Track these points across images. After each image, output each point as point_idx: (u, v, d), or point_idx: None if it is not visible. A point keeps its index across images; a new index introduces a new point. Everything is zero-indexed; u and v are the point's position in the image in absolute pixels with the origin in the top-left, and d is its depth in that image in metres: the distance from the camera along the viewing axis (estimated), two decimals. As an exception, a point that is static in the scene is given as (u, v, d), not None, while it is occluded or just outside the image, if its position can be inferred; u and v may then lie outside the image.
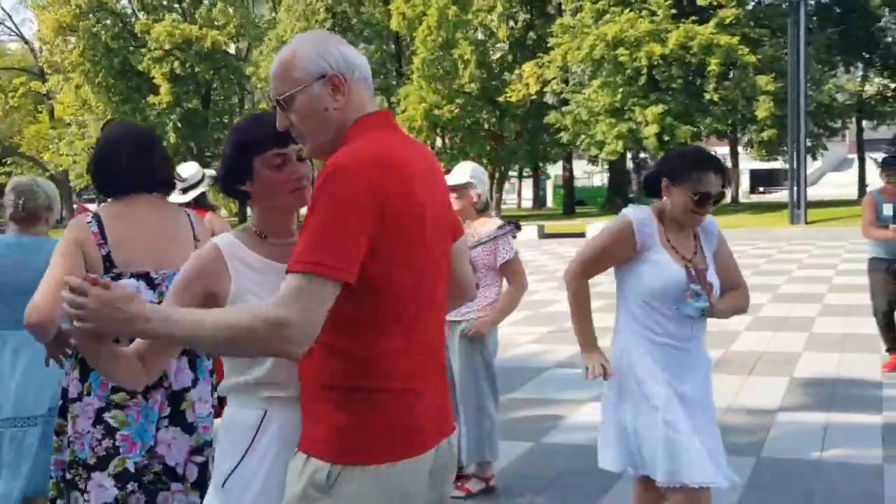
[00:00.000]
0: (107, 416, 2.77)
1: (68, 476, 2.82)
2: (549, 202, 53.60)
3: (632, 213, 3.15)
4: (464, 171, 4.65)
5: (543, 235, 27.73)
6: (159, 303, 2.75)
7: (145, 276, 2.78)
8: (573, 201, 43.03)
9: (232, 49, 50.86)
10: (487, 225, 4.63)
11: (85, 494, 2.77)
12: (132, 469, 2.75)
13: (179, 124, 44.81)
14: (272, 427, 1.99)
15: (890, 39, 40.65)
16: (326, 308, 1.71)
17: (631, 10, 34.19)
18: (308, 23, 43.62)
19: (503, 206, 47.93)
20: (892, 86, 40.72)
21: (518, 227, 3.97)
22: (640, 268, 3.10)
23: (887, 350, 7.14)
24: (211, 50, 45.05)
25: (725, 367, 7.25)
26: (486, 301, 4.58)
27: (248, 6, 50.66)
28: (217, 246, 2.05)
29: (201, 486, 2.78)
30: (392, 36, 45.05)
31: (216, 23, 47.33)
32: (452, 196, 4.54)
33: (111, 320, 1.66)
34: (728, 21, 33.29)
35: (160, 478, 2.79)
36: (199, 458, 2.82)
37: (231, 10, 48.33)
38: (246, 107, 51.11)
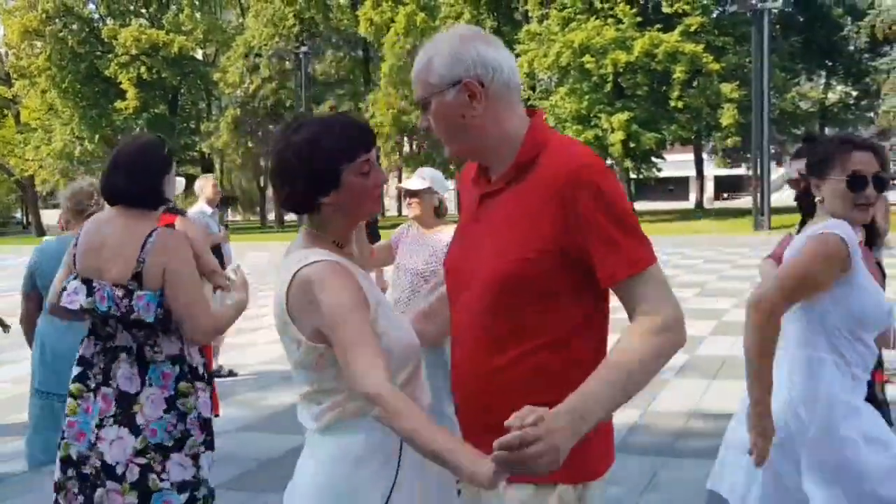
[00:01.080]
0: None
1: None
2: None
3: (833, 226, 2.55)
4: (423, 177, 4.62)
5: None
6: (91, 308, 2.81)
7: (88, 282, 2.87)
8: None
9: (199, 55, 50.54)
10: (445, 231, 4.62)
11: None
12: (74, 457, 2.85)
13: (146, 129, 44.38)
14: (410, 454, 1.80)
15: (852, 48, 41.38)
16: None
17: (597, 18, 34.50)
18: (276, 28, 43.49)
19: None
20: (855, 93, 41.45)
21: None
22: (845, 291, 2.55)
23: None
24: (178, 55, 44.78)
25: (690, 371, 7.30)
26: None
27: (215, 12, 50.39)
28: (338, 262, 1.86)
29: (141, 488, 2.79)
30: (360, 42, 45.01)
31: (183, 28, 47.04)
32: (413, 201, 4.53)
33: (542, 458, 1.49)
34: (693, 29, 33.71)
35: (98, 473, 2.80)
36: (142, 461, 2.82)
37: (198, 16, 48.08)
38: (213, 112, 50.75)
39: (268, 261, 21.69)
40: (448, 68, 1.78)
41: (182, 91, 49.04)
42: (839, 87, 43.35)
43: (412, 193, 4.53)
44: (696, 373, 7.24)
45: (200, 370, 3.03)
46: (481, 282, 1.81)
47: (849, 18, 40.48)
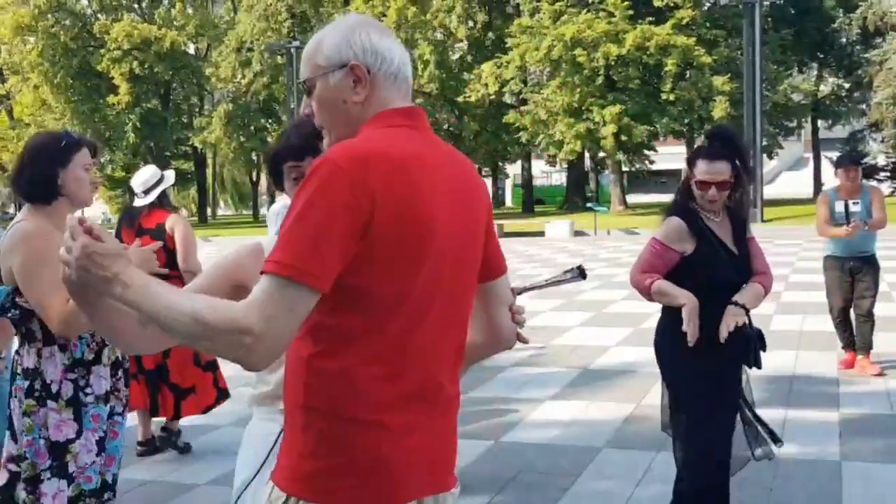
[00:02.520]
0: None
1: None
2: (509, 201, 53.80)
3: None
4: None
5: (503, 234, 27.79)
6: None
7: None
8: (532, 200, 43.25)
9: (191, 49, 50.39)
10: None
11: None
12: None
13: (139, 124, 44.36)
14: None
15: (844, 40, 41.38)
16: (298, 318, 1.50)
17: (588, 11, 34.47)
18: (268, 23, 43.36)
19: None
20: (847, 86, 41.48)
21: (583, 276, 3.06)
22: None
23: (843, 347, 7.23)
24: (170, 50, 44.64)
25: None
26: None
27: (207, 6, 50.26)
28: (259, 243, 2.17)
29: None
30: (352, 36, 44.82)
31: (175, 23, 46.90)
32: None
33: (90, 274, 1.46)
34: (684, 22, 33.69)
35: None
36: None
37: (190, 11, 47.93)
38: (206, 107, 50.63)
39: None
40: (337, 50, 1.72)
41: (174, 86, 48.91)
42: (831, 80, 43.35)
43: None
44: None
45: (58, 388, 2.82)
46: None
47: (840, 10, 40.46)
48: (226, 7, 50.71)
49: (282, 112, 45.09)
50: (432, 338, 1.67)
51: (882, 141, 37.80)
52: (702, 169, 3.28)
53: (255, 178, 54.76)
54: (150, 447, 5.43)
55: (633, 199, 40.84)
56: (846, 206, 6.88)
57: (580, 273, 2.14)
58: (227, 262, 2.11)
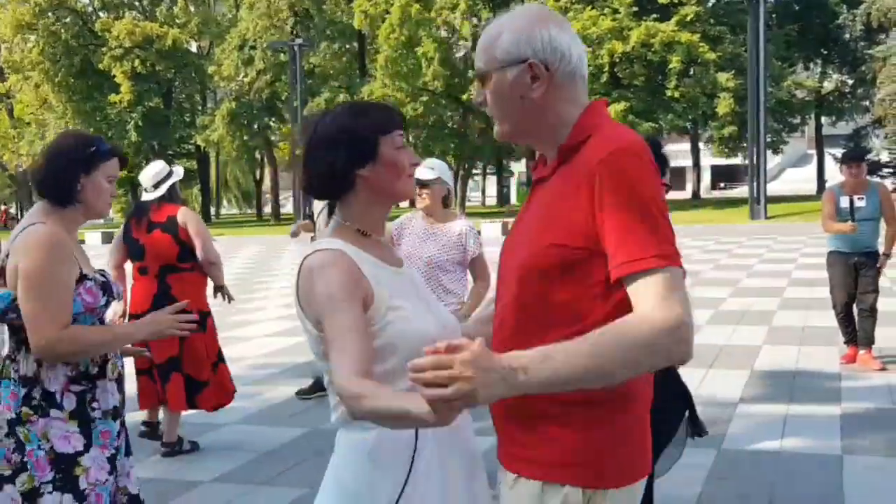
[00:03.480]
0: None
1: None
2: (513, 199, 53.82)
3: None
4: (432, 167, 4.64)
5: (507, 233, 27.82)
6: None
7: None
8: (537, 198, 43.20)
9: (193, 47, 50.40)
10: (456, 222, 4.67)
11: None
12: None
13: (141, 123, 44.33)
14: (428, 447, 1.82)
15: (848, 36, 41.30)
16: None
17: (593, 8, 34.45)
18: (271, 20, 43.35)
19: (467, 204, 48.02)
20: (850, 82, 41.39)
21: None
22: None
23: (846, 342, 7.24)
24: (172, 48, 44.62)
25: (688, 360, 7.31)
26: (459, 297, 4.67)
27: (209, 4, 50.25)
28: (342, 252, 1.85)
29: None
30: (355, 34, 44.89)
31: (177, 21, 46.89)
32: (425, 192, 4.54)
33: (467, 396, 1.39)
34: (688, 18, 33.66)
35: None
36: None
37: (192, 8, 47.90)
38: (208, 105, 50.63)
39: (258, 254, 21.60)
40: (516, 46, 1.71)
41: (176, 84, 48.90)
42: (835, 76, 43.30)
43: (423, 184, 4.54)
44: (693, 361, 7.24)
45: (60, 399, 2.63)
46: (512, 271, 1.77)
47: (844, 6, 40.40)
48: (227, 4, 50.70)
49: (284, 110, 45.10)
50: None
51: (885, 137, 37.69)
52: None
53: (258, 177, 54.78)
54: (174, 447, 5.36)
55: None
56: (851, 202, 6.88)
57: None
58: (352, 289, 1.81)
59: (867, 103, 42.09)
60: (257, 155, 48.47)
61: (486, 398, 1.41)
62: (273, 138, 48.28)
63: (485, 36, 1.77)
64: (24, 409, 2.60)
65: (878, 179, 7.55)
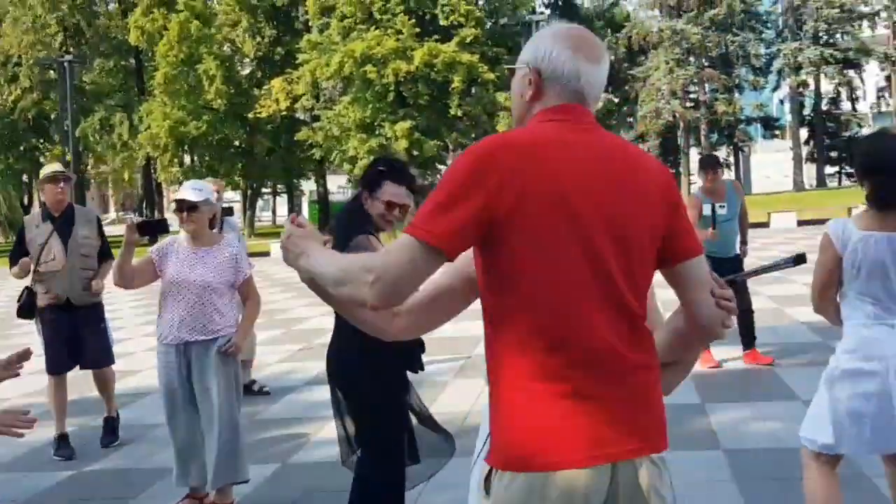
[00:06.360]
0: None
1: None
2: (306, 217, 53.39)
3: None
4: (200, 189, 4.51)
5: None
6: None
7: None
8: (328, 217, 43.12)
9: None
10: (224, 242, 4.58)
11: None
12: None
13: None
14: None
15: (613, 57, 44.35)
16: (417, 269, 1.73)
17: (377, 28, 34.90)
18: (37, 35, 40.67)
19: (258, 223, 47.14)
20: (616, 100, 44.39)
21: (801, 261, 2.32)
22: None
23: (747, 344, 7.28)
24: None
25: (471, 371, 7.53)
26: (232, 319, 4.59)
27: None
28: None
29: None
30: (132, 50, 42.97)
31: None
32: (191, 215, 4.39)
33: (289, 252, 1.91)
34: (468, 40, 34.83)
35: None
36: None
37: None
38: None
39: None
40: (527, 51, 1.99)
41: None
42: (603, 95, 46.30)
43: (190, 206, 4.40)
44: (476, 372, 7.46)
45: None
46: None
47: (609, 30, 43.42)
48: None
49: (54, 130, 42.32)
50: (594, 305, 1.77)
51: (648, 151, 40.78)
52: (390, 191, 3.63)
53: (26, 202, 50.94)
54: None
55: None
56: (713, 209, 7.00)
57: (796, 259, 2.06)
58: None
59: (631, 120, 45.38)
60: (24, 178, 45.14)
61: (289, 261, 1.94)
62: (43, 160, 45.11)
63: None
64: None
65: (734, 180, 7.83)
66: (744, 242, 7.44)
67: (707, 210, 7.00)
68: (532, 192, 1.74)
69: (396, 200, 3.61)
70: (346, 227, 3.62)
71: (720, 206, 7.01)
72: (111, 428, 6.26)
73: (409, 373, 3.78)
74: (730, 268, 7.07)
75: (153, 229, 4.46)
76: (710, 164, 7.19)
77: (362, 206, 3.65)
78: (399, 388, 3.75)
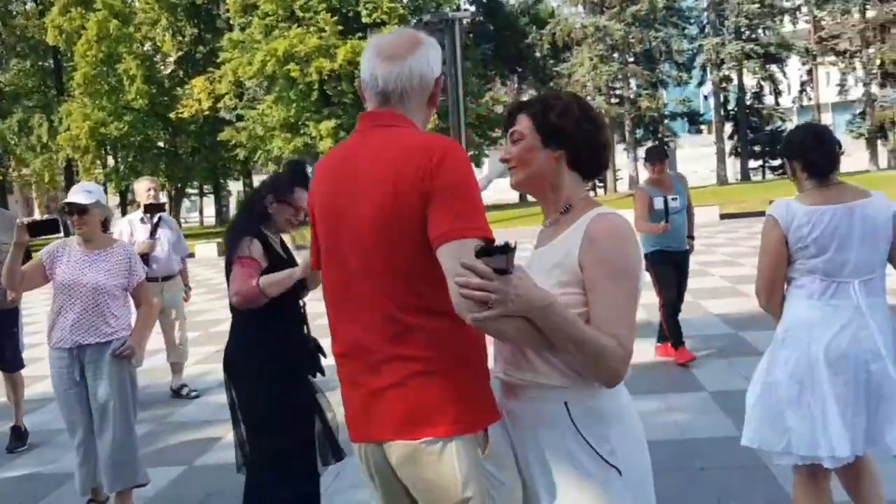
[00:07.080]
0: None
1: None
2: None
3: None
4: (90, 191, 4.49)
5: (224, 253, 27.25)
6: None
7: None
8: (257, 216, 42.66)
9: None
10: (118, 245, 4.58)
11: None
12: None
13: None
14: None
15: (538, 54, 44.86)
16: None
17: (300, 26, 34.65)
18: (-54, 35, 39.32)
19: (184, 224, 46.38)
20: (542, 97, 44.97)
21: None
22: None
23: (675, 345, 6.99)
24: None
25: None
26: (126, 322, 4.57)
27: None
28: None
29: None
30: (50, 50, 41.86)
31: None
32: (82, 218, 4.38)
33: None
34: (391, 38, 34.81)
35: None
36: None
37: None
38: None
39: None
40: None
41: None
42: (531, 91, 46.78)
43: (81, 209, 4.38)
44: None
45: None
46: None
47: (533, 27, 43.89)
48: None
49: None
50: (346, 303, 2.09)
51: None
52: (300, 196, 3.78)
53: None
54: None
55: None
56: (665, 202, 6.81)
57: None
58: None
59: (558, 116, 45.73)
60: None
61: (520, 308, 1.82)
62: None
63: None
64: None
65: (678, 172, 7.75)
66: (691, 237, 7.21)
67: (659, 203, 6.83)
68: (317, 208, 2.21)
69: (304, 205, 3.74)
70: (245, 225, 3.78)
71: (672, 199, 6.84)
72: (18, 434, 6.24)
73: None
74: (682, 261, 7.07)
75: (44, 229, 4.43)
76: (656, 156, 6.99)
77: (266, 209, 3.79)
78: (294, 389, 3.73)
